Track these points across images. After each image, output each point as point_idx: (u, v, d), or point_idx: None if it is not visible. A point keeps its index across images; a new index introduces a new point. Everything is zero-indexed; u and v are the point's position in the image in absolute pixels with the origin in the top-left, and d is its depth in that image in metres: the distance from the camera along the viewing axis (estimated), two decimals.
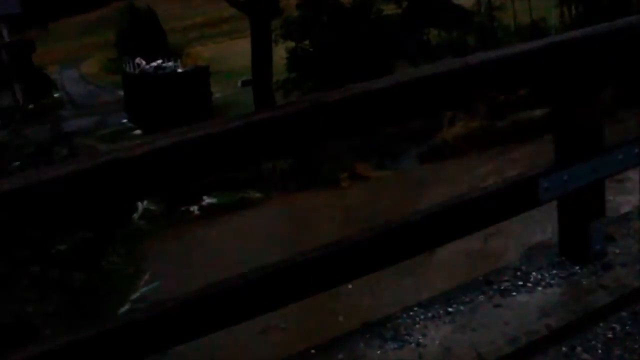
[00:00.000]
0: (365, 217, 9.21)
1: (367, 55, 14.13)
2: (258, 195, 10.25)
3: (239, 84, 23.29)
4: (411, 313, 2.30)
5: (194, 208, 9.90)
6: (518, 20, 19.21)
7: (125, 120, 21.71)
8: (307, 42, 15.25)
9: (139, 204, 9.26)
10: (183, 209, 10.01)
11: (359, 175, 10.84)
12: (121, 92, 24.14)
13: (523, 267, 2.49)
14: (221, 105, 20.64)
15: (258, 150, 1.72)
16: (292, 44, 15.60)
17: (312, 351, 2.18)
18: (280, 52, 15.37)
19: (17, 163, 11.77)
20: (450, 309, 2.28)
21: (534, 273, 2.43)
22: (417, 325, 2.23)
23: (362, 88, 1.87)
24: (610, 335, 2.13)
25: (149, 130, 18.97)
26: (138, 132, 20.00)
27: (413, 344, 2.14)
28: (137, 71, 20.95)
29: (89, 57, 41.60)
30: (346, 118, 1.87)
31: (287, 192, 10.04)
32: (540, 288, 2.32)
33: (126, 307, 3.50)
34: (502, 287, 2.37)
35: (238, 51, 24.01)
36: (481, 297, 2.33)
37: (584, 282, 2.32)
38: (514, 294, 2.32)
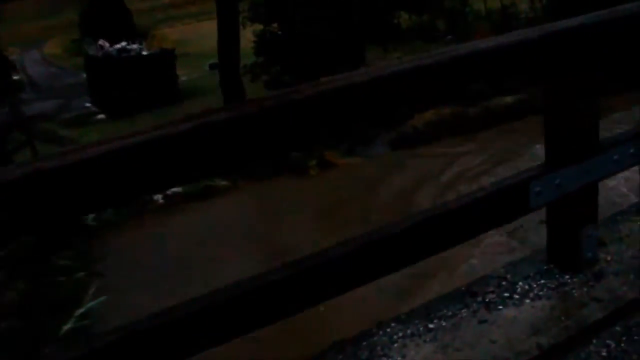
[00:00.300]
0: (333, 206, 8.99)
1: (337, 39, 13.84)
2: (224, 183, 9.92)
3: (206, 67, 22.75)
4: (388, 330, 2.09)
5: (158, 197, 9.56)
6: (489, 5, 19.08)
7: (88, 104, 21.04)
8: (275, 25, 14.89)
9: None
10: (147, 197, 9.62)
11: (328, 163, 10.61)
12: (85, 75, 23.42)
13: (508, 276, 2.29)
14: (188, 89, 20.12)
15: (210, 160, 1.47)
16: (260, 27, 15.21)
17: None
18: (248, 36, 14.99)
19: None
20: (431, 325, 2.08)
21: (520, 283, 2.24)
22: (396, 344, 2.02)
23: (338, 82, 1.63)
24: (604, 354, 1.96)
25: (113, 115, 18.40)
26: (102, 116, 19.39)
27: None
28: (100, 53, 20.27)
29: (51, 38, 40.39)
30: (320, 116, 1.63)
31: (254, 180, 9.76)
32: (528, 301, 2.13)
33: (69, 325, 3.18)
34: (487, 299, 2.18)
35: (205, 33, 23.43)
36: (464, 311, 2.13)
37: (576, 294, 2.14)
38: (501, 307, 2.12)
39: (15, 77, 27.74)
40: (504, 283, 2.25)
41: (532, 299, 2.13)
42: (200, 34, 26.99)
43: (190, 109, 16.87)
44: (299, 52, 13.35)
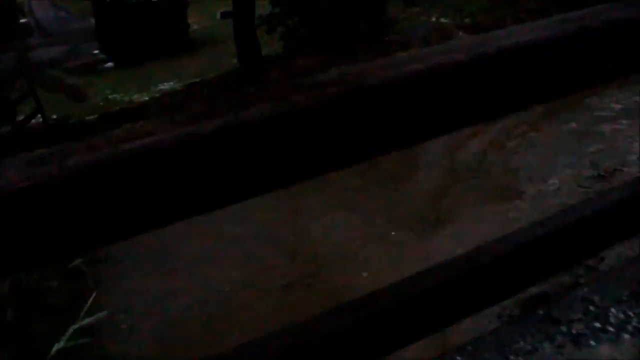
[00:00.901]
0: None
1: None
2: None
3: (218, 15, 22.05)
4: None
5: None
6: None
7: (97, 52, 20.48)
8: None
9: None
10: None
11: None
12: (93, 20, 22.77)
13: (596, 299, 1.89)
14: (199, 38, 19.50)
15: (252, 178, 1.05)
16: None
17: None
18: None
19: None
20: None
21: (612, 309, 1.83)
22: None
23: (437, 59, 1.18)
24: None
25: (121, 63, 17.90)
26: (110, 64, 18.85)
27: None
28: None
29: None
30: (413, 112, 1.18)
31: None
32: (627, 336, 1.73)
33: (61, 344, 2.78)
34: (573, 331, 1.78)
35: None
36: (547, 346, 1.74)
37: None
38: (592, 343, 1.73)
39: (22, 21, 27.06)
40: (591, 308, 1.85)
41: (632, 334, 1.73)
42: None
43: (201, 59, 16.31)
44: (315, 3, 12.68)
